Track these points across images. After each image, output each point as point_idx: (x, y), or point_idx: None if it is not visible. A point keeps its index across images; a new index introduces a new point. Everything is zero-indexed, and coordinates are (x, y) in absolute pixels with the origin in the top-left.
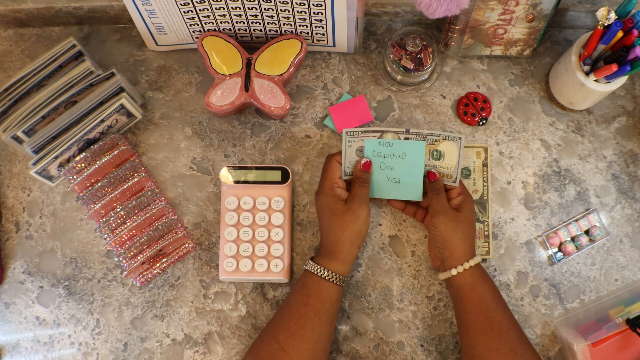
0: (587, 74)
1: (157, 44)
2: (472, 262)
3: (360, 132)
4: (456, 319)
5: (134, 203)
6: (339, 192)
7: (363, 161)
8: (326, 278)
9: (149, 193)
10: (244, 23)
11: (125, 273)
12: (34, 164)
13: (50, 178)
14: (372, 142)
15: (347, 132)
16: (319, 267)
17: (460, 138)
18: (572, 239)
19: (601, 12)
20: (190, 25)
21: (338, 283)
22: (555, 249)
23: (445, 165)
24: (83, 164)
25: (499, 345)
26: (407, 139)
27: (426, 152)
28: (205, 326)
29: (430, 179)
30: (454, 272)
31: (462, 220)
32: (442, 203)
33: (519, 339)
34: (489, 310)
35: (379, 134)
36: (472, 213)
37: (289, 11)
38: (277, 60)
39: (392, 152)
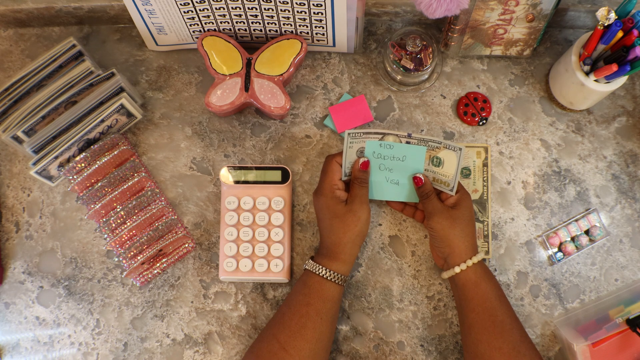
0: (587, 74)
1: (157, 44)
2: (475, 259)
3: (362, 134)
4: (459, 317)
5: (134, 203)
6: (339, 194)
7: (361, 161)
8: (328, 278)
9: (149, 193)
10: (244, 23)
11: (125, 273)
12: (34, 164)
13: (50, 178)
14: (372, 143)
15: (349, 134)
16: (320, 267)
17: (460, 149)
18: (572, 239)
19: (601, 12)
20: (190, 25)
21: (340, 283)
22: (555, 249)
23: (444, 173)
24: (83, 164)
25: (501, 344)
26: (408, 142)
27: (426, 158)
28: (205, 326)
29: (417, 184)
30: (457, 269)
31: (459, 217)
32: (434, 204)
33: (521, 338)
34: (492, 309)
35: (380, 136)
36: (469, 210)
37: (289, 11)
38: (277, 60)
39: (392, 154)
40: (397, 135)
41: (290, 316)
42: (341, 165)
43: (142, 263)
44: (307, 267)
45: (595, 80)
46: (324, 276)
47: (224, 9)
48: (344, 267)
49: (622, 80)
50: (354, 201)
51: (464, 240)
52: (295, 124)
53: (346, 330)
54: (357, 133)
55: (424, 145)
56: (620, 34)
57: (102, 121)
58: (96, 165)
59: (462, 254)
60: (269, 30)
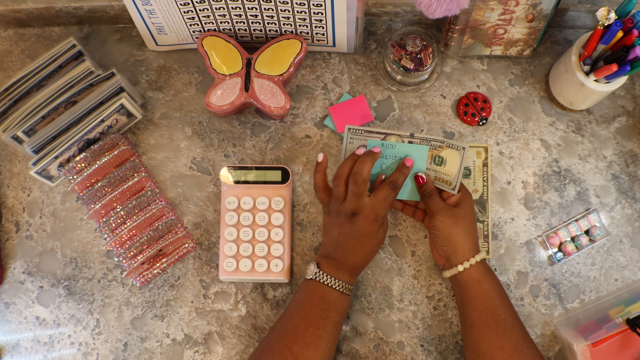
0: (587, 74)
1: (157, 44)
2: (477, 258)
3: (363, 132)
4: (461, 316)
5: (134, 203)
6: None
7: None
8: (347, 293)
9: (149, 193)
10: (244, 23)
11: (125, 273)
12: (34, 164)
13: (50, 178)
14: (375, 142)
15: (349, 129)
16: (345, 284)
17: (464, 148)
18: (572, 239)
19: (601, 12)
20: (190, 25)
21: (351, 294)
22: (555, 249)
23: (446, 172)
24: (83, 164)
25: (504, 342)
26: (410, 142)
27: (428, 157)
28: (205, 326)
29: (419, 183)
30: (460, 268)
31: (461, 216)
32: (437, 203)
33: (523, 337)
34: (495, 307)
35: (382, 136)
36: (471, 209)
37: (289, 11)
38: (277, 60)
39: (394, 154)
40: (399, 135)
41: (305, 328)
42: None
43: (142, 263)
44: (332, 284)
45: (595, 80)
46: (346, 292)
47: (224, 9)
48: (357, 277)
49: (622, 80)
50: (384, 222)
51: (467, 239)
52: (295, 124)
53: (346, 330)
54: (358, 130)
55: (427, 144)
56: (620, 34)
57: (102, 121)
58: (96, 165)
59: (465, 252)
60: (269, 30)
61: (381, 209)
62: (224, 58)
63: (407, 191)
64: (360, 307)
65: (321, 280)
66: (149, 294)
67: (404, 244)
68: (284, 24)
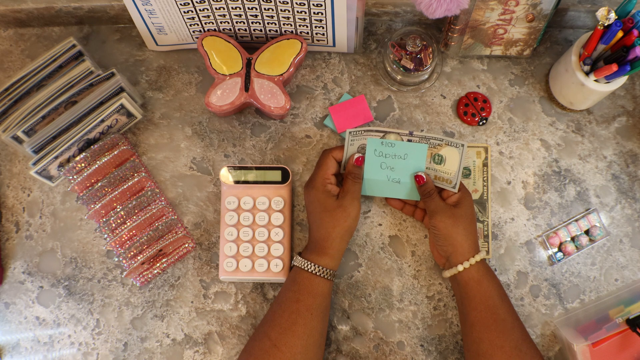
0: (587, 74)
1: (157, 44)
2: (477, 257)
3: (363, 131)
4: (460, 316)
5: (134, 203)
6: (330, 188)
7: (355, 156)
8: (317, 274)
9: (149, 193)
10: (244, 23)
11: (125, 273)
12: (34, 164)
13: (50, 178)
14: (374, 141)
15: (350, 132)
16: (309, 263)
17: (463, 145)
18: (572, 239)
19: (601, 12)
20: (190, 25)
21: (328, 278)
22: (555, 249)
23: (446, 170)
24: (83, 164)
25: (503, 342)
26: (409, 141)
27: (428, 155)
28: (205, 326)
29: (419, 182)
30: (460, 268)
31: (461, 216)
32: (437, 203)
33: (523, 337)
34: (494, 307)
35: (382, 134)
36: (470, 208)
37: (289, 11)
38: (277, 60)
39: (393, 153)
40: (398, 133)
41: (280, 313)
42: (337, 161)
43: (142, 263)
44: (295, 263)
45: (595, 80)
46: (313, 272)
47: (224, 9)
48: (332, 262)
49: (622, 80)
50: (345, 196)
51: (467, 239)
52: (295, 124)
53: (346, 330)
54: (359, 131)
55: (426, 142)
56: (620, 34)
57: (102, 121)
58: (96, 165)
59: (465, 252)
60: (269, 30)
61: (313, 172)
62: (224, 58)
63: (407, 191)
64: (360, 307)
65: (294, 263)
66: (149, 294)
67: (404, 244)
68: (284, 24)
